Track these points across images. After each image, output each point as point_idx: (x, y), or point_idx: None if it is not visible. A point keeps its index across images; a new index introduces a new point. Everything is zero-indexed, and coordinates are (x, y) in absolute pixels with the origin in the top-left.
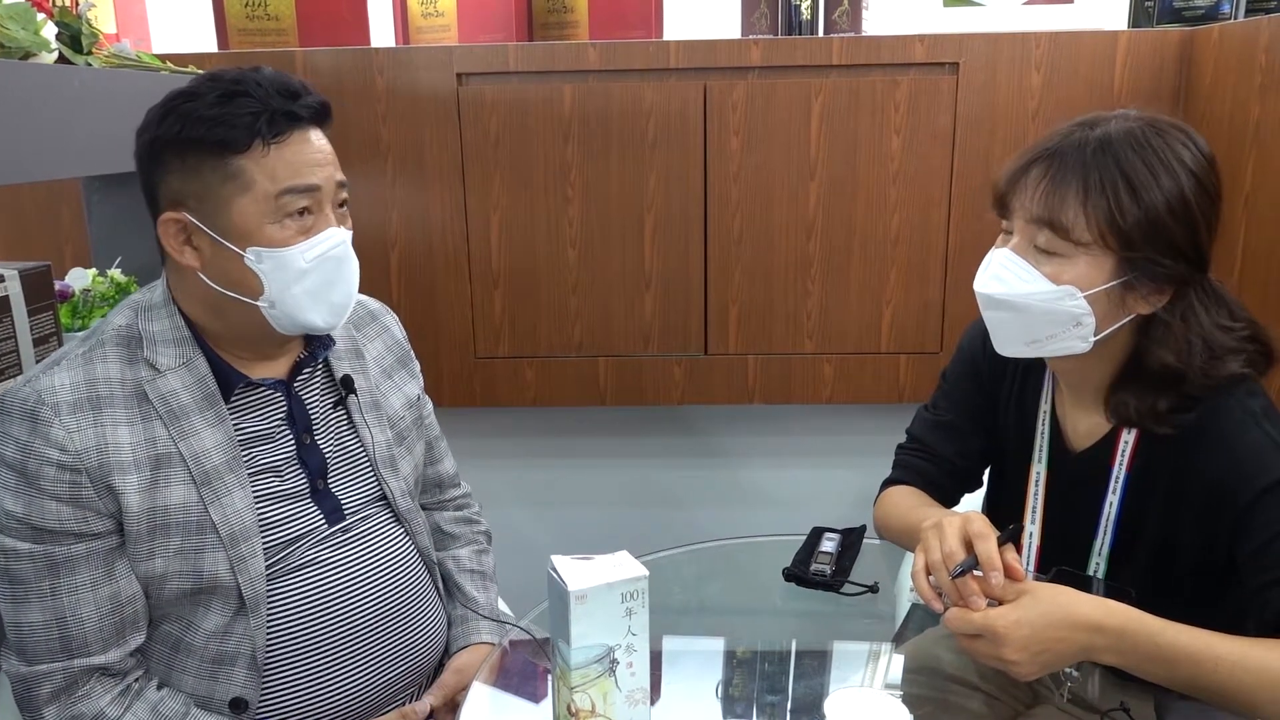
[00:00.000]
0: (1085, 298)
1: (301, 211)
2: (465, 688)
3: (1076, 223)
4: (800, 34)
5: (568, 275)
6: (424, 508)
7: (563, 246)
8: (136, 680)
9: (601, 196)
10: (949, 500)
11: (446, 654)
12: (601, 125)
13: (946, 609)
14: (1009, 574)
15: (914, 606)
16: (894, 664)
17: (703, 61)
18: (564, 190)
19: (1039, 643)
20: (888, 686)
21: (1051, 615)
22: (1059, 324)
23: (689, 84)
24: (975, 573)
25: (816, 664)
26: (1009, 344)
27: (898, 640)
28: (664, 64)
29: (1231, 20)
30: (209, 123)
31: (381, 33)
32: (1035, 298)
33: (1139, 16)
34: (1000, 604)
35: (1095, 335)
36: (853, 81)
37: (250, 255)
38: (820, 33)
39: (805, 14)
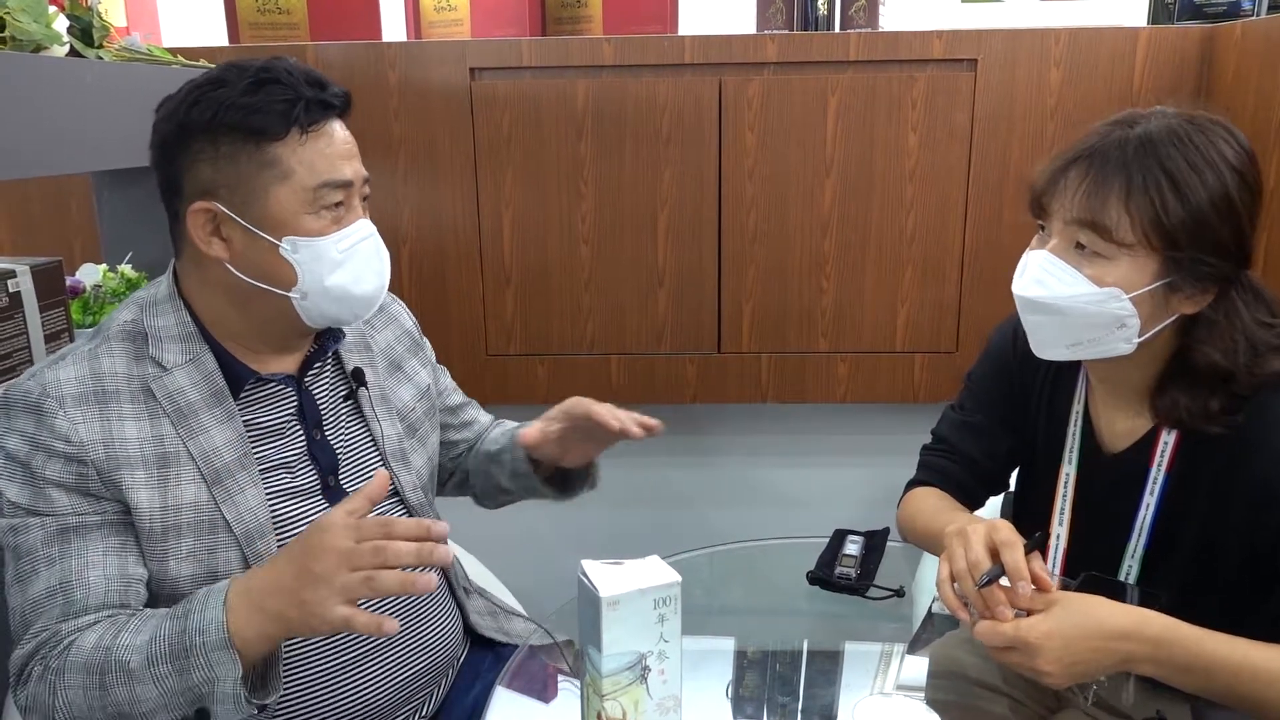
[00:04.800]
0: (1130, 299)
1: (335, 204)
2: (559, 417)
3: (1120, 223)
4: (816, 29)
5: (580, 272)
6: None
7: (575, 243)
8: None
9: (615, 193)
10: (974, 502)
11: (470, 637)
12: (615, 121)
13: (973, 618)
14: (1036, 584)
15: (931, 611)
16: (913, 668)
17: (718, 57)
18: (577, 187)
19: (1072, 654)
20: (901, 688)
21: (1085, 626)
22: (1103, 326)
23: (704, 79)
24: (1002, 582)
25: (840, 668)
26: (1049, 347)
27: (913, 645)
28: (679, 59)
29: (1254, 17)
30: (244, 110)
31: (393, 27)
32: (1079, 300)
33: (1159, 13)
34: (1029, 614)
35: (1140, 337)
36: (869, 78)
37: (286, 245)
38: (837, 28)
39: (822, 9)
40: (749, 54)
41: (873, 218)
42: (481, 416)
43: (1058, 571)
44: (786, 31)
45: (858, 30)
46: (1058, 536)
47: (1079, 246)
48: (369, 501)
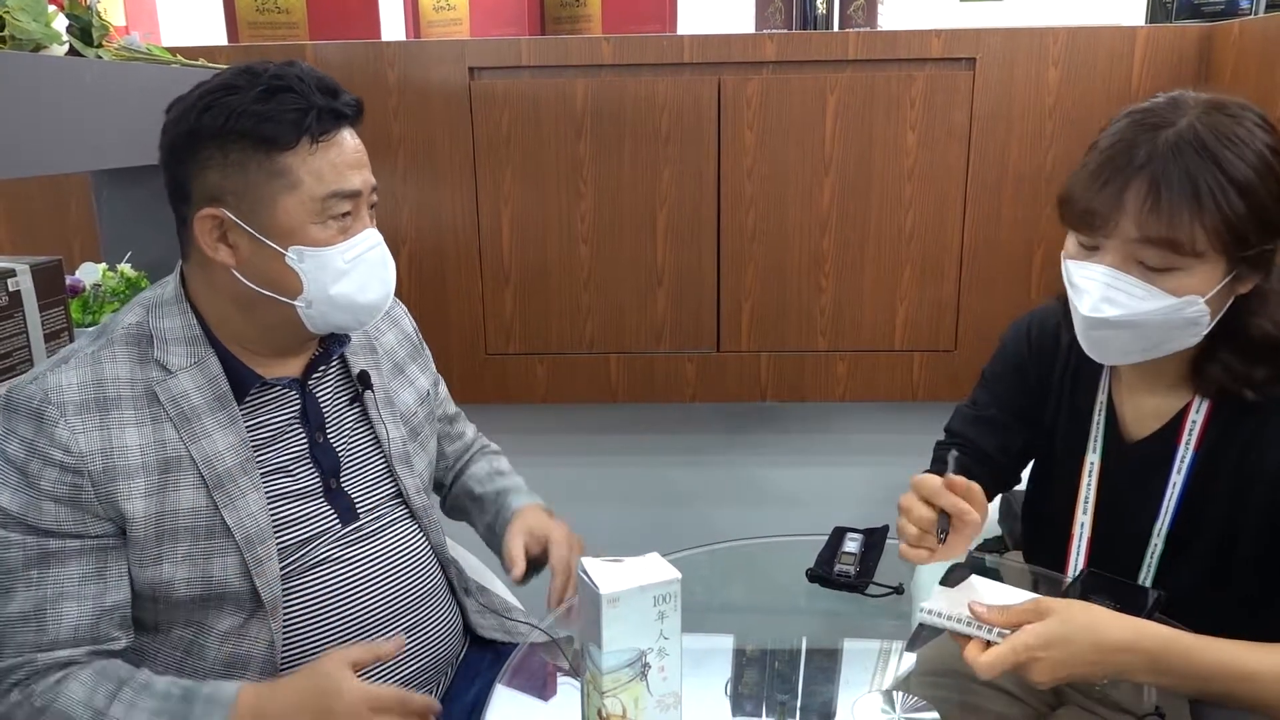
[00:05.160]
0: (1204, 301)
1: (343, 214)
2: (540, 535)
3: (1196, 236)
4: (815, 28)
5: (579, 271)
6: (452, 469)
7: (575, 242)
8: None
9: (614, 192)
10: (986, 495)
11: (469, 636)
12: (614, 120)
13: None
14: (952, 489)
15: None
16: (909, 664)
17: (717, 56)
18: (576, 186)
19: (1067, 667)
20: (901, 686)
21: (1082, 641)
22: (1177, 329)
23: (703, 79)
24: (982, 589)
25: (839, 665)
26: (1118, 355)
27: (912, 643)
28: (678, 59)
29: (1251, 16)
30: (255, 117)
31: (392, 26)
32: (1158, 313)
33: (1157, 12)
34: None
35: (1207, 329)
36: (868, 77)
37: (292, 254)
38: (835, 27)
39: (820, 8)
40: (748, 53)
41: (871, 216)
42: (468, 430)
43: (1081, 561)
44: (785, 31)
45: (856, 29)
46: (1082, 525)
47: (1147, 263)
48: (375, 658)
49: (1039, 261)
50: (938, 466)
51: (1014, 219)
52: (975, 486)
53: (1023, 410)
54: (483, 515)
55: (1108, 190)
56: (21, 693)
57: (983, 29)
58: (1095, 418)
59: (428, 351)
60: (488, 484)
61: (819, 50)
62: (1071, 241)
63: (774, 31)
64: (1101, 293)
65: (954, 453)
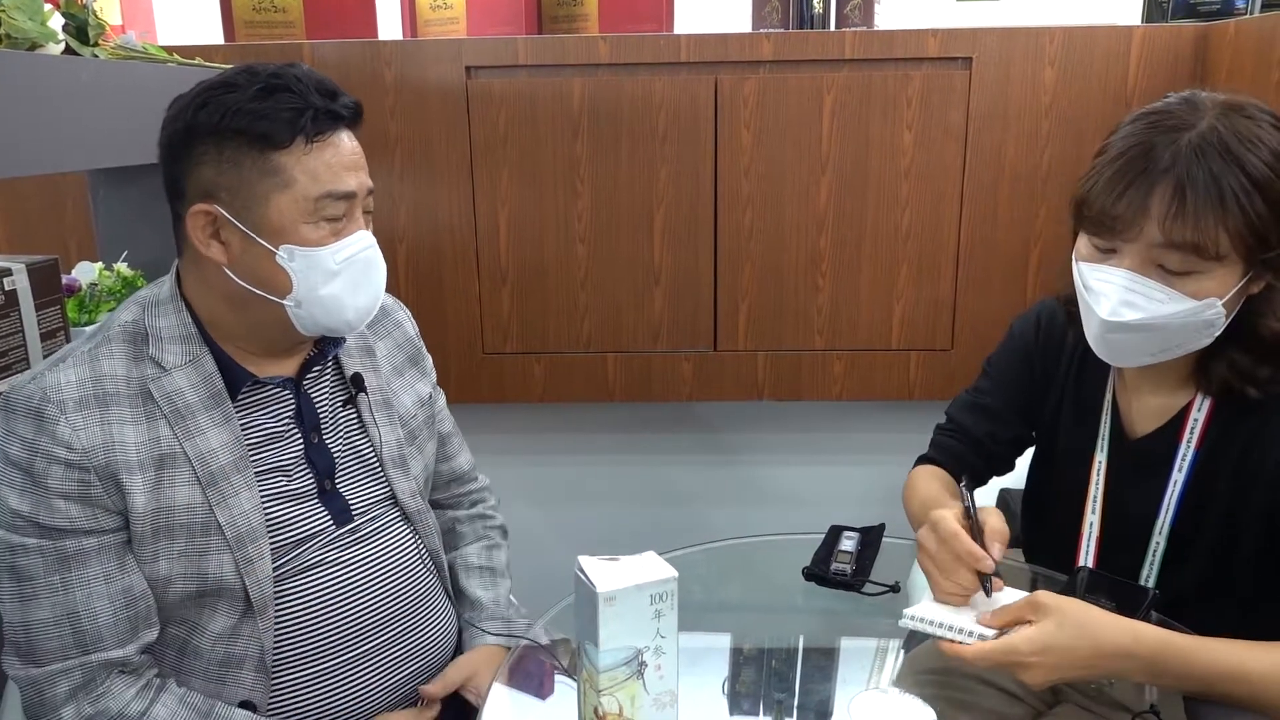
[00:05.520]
0: (1222, 303)
1: (336, 216)
2: (471, 687)
3: (1221, 240)
4: (812, 28)
5: (576, 271)
6: (439, 504)
7: (572, 242)
8: (157, 675)
9: (611, 191)
10: (978, 480)
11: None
12: (611, 119)
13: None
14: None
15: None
16: (907, 663)
17: (714, 55)
18: (573, 185)
19: (1062, 671)
20: (899, 685)
21: (1078, 646)
22: (1194, 332)
23: (700, 78)
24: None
25: (835, 663)
26: (1132, 358)
27: (910, 642)
28: (675, 58)
29: (1248, 15)
30: (251, 115)
31: (389, 25)
32: (1178, 317)
33: (1153, 12)
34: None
35: (1220, 330)
36: (865, 76)
37: (282, 253)
38: (832, 27)
39: (817, 7)
40: (744, 52)
41: (868, 215)
42: (463, 459)
43: (1091, 559)
44: (782, 30)
45: (853, 29)
46: (1091, 524)
47: (1168, 267)
48: None
49: (1035, 260)
50: (932, 452)
51: (1010, 218)
52: (991, 521)
53: (1023, 403)
54: (460, 605)
55: (1131, 194)
56: (92, 706)
57: (979, 28)
58: (1103, 417)
59: (429, 359)
60: (473, 582)
61: (816, 50)
62: (1085, 244)
63: (771, 31)
64: (1120, 296)
65: (964, 485)
